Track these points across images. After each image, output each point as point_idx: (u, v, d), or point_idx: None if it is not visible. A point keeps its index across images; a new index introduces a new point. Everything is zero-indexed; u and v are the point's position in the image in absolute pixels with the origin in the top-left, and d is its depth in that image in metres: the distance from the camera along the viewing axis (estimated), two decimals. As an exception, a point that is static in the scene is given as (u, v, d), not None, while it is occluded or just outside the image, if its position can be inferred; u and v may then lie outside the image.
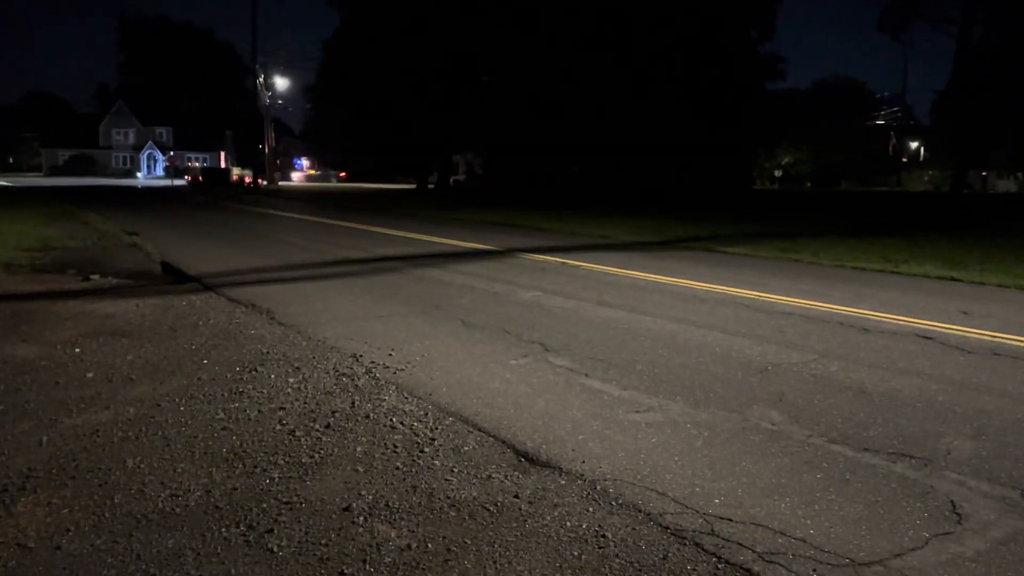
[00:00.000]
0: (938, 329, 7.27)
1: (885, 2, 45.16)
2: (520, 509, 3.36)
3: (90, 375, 5.24)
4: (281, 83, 56.84)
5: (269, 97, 55.72)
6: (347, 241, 15.43)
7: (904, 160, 79.49)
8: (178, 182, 56.75)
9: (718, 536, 3.13)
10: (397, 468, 3.78)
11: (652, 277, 10.58)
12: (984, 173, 65.73)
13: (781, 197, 43.68)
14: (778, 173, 74.69)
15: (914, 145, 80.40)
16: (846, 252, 13.69)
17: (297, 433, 4.22)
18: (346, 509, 3.33)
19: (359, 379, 5.30)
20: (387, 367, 5.64)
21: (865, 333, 7.11)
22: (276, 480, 3.60)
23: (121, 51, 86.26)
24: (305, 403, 4.75)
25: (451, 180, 60.18)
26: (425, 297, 8.69)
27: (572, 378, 5.44)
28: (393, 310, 7.91)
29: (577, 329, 7.08)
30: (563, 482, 3.66)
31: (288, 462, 3.82)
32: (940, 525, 3.22)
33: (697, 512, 3.33)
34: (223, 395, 4.86)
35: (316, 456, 3.91)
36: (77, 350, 5.90)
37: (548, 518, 3.28)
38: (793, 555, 2.98)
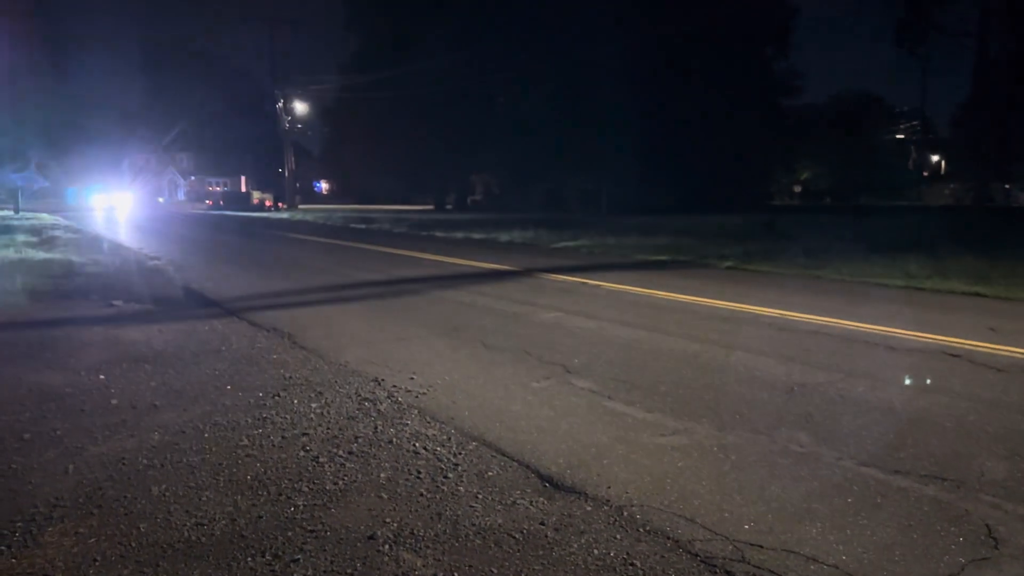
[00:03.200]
0: (966, 346, 7.16)
1: (901, 17, 44.95)
2: (546, 536, 3.32)
3: (115, 402, 5.27)
4: (300, 107, 57.44)
5: (288, 121, 56.32)
6: (366, 263, 15.50)
7: (924, 174, 78.84)
8: (199, 206, 57.37)
9: (749, 563, 3.08)
10: (421, 495, 3.76)
11: (672, 296, 10.52)
12: (1007, 186, 65.07)
13: (799, 213, 43.43)
14: (797, 189, 74.29)
15: (934, 159, 79.77)
16: (868, 268, 13.55)
17: (321, 459, 4.21)
18: (371, 537, 3.30)
19: (381, 403, 5.29)
20: (409, 391, 5.63)
21: (891, 351, 7.01)
22: (301, 508, 3.59)
23: (142, 77, 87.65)
24: (328, 428, 4.74)
25: (468, 200, 60.46)
26: (445, 319, 8.69)
27: (595, 400, 5.40)
28: (413, 332, 7.91)
29: (598, 350, 7.04)
30: (589, 508, 3.62)
31: (312, 489, 3.81)
32: (976, 550, 3.15)
33: (727, 539, 3.28)
34: (247, 421, 4.87)
35: (340, 483, 3.89)
36: (102, 377, 5.94)
37: (575, 545, 3.24)
38: (827, 583, 2.92)
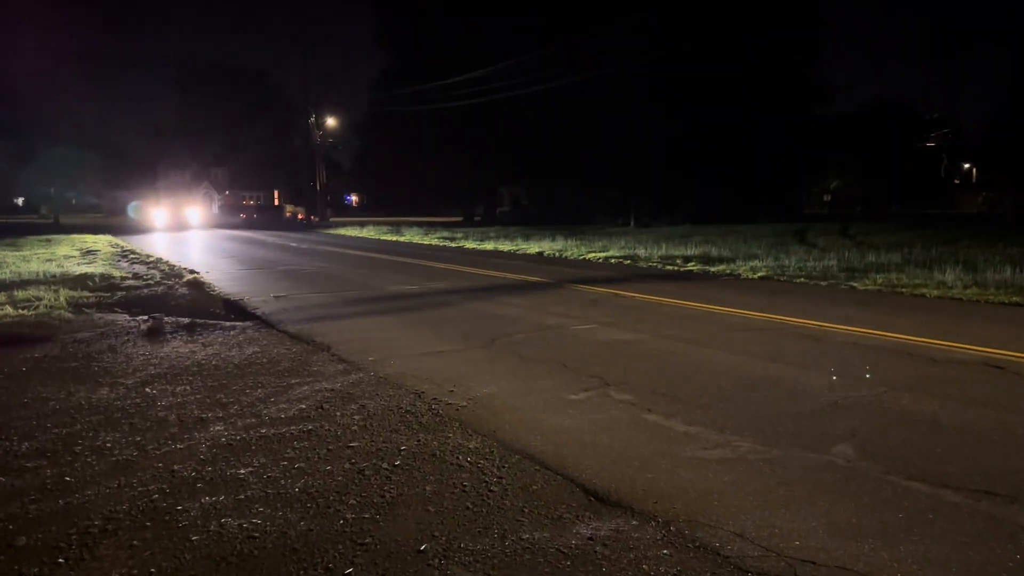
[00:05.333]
0: (1009, 358, 7.05)
1: (936, 26, 44.48)
2: (595, 552, 3.32)
3: (163, 415, 5.37)
4: (331, 121, 58.08)
5: (320, 136, 56.98)
6: (399, 276, 15.60)
7: (956, 182, 77.67)
8: (232, 220, 58.08)
9: (801, 580, 3.06)
10: (467, 508, 3.78)
11: (707, 307, 10.47)
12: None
13: (831, 222, 43.01)
14: (827, 198, 73.56)
15: (966, 166, 78.53)
16: (904, 278, 13.38)
17: (367, 472, 4.25)
18: (420, 551, 3.33)
19: (423, 416, 5.33)
20: (449, 403, 5.66)
21: (933, 363, 6.92)
22: (350, 520, 3.63)
23: (177, 94, 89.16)
24: (372, 441, 4.79)
25: (497, 211, 60.65)
26: (481, 331, 8.72)
27: (635, 413, 5.40)
28: (450, 345, 7.95)
29: (636, 362, 7.03)
30: (636, 523, 3.62)
31: (360, 502, 3.85)
32: (1035, 568, 3.10)
33: (778, 555, 3.26)
34: (292, 433, 4.93)
35: (387, 495, 3.93)
36: (149, 390, 6.05)
37: (624, 562, 3.24)
38: (881, 600, 2.90)
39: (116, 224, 47.01)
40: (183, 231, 41.53)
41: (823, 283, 13.51)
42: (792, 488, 4.01)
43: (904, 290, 12.22)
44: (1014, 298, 10.94)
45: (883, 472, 4.21)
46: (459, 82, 44.72)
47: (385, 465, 4.37)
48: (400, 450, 4.62)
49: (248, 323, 9.50)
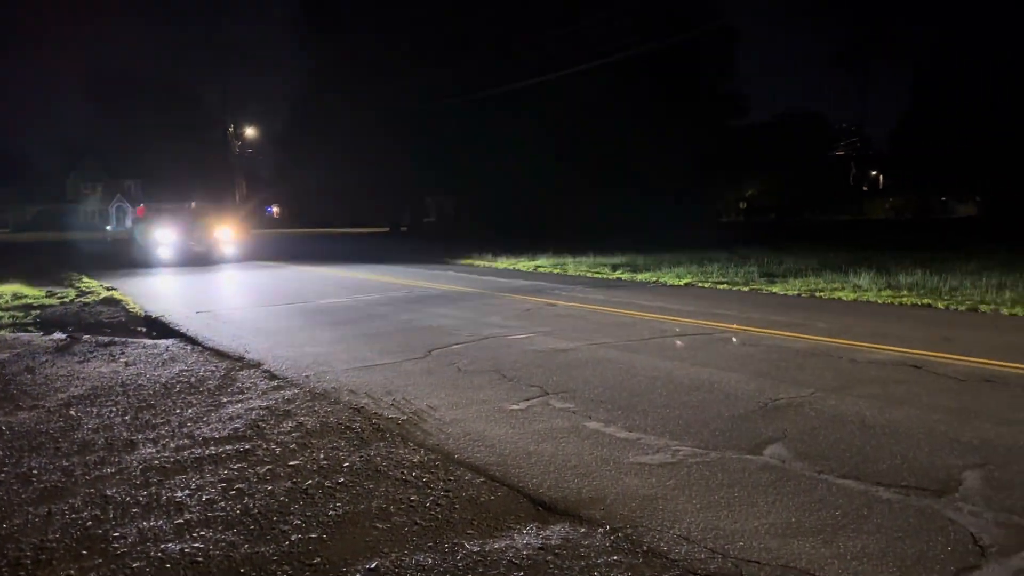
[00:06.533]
0: (926, 357, 7.40)
1: (844, 39, 46.59)
2: (546, 561, 3.34)
3: (89, 438, 5.15)
4: (250, 132, 56.87)
5: (239, 147, 55.71)
6: (325, 289, 15.35)
7: (865, 189, 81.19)
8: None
9: (748, 579, 3.14)
10: (416, 523, 3.75)
11: (638, 314, 10.65)
12: (944, 198, 67.29)
13: (747, 229, 44.38)
14: (742, 205, 75.91)
15: (873, 173, 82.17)
16: (822, 282, 13.91)
17: (310, 491, 4.17)
18: (371, 569, 3.29)
19: (364, 432, 5.26)
20: (390, 418, 5.60)
21: (856, 364, 7.21)
22: (295, 541, 3.55)
23: (87, 104, 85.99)
24: (314, 459, 4.70)
25: (424, 221, 60.39)
26: (415, 343, 8.66)
27: (576, 421, 5.45)
28: (387, 357, 7.87)
29: (574, 370, 7.10)
30: (584, 531, 3.65)
31: (305, 521, 3.77)
32: (964, 559, 3.26)
33: (724, 556, 3.34)
34: (227, 453, 4.79)
35: (333, 514, 3.86)
36: (73, 412, 5.79)
37: (575, 570, 3.26)
38: (825, 596, 3.00)
39: (20, 240, 44.77)
40: (95, 245, 39.88)
41: (744, 288, 13.93)
42: (732, 490, 4.11)
43: (822, 294, 12.71)
44: (925, 300, 11.50)
45: (817, 471, 4.36)
46: (381, 91, 44.43)
47: (328, 483, 4.29)
48: (343, 467, 4.55)
49: (170, 340, 9.20)
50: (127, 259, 24.52)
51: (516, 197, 44.28)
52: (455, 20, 42.96)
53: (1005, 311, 10.38)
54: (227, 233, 24.06)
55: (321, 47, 53.35)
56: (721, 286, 14.38)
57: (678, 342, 8.51)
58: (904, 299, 11.74)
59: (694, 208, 46.62)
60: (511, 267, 20.30)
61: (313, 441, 5.05)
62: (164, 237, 23.11)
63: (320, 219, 76.59)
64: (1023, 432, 4.99)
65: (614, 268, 18.22)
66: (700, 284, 14.81)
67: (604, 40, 37.04)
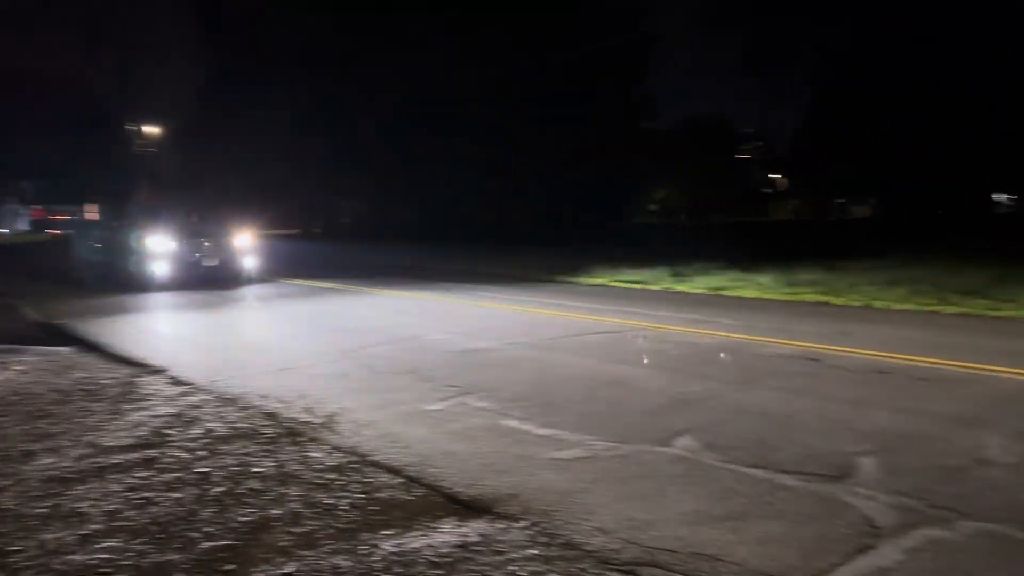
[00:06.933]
0: (824, 351, 7.76)
1: (747, 47, 48.33)
2: (465, 558, 3.36)
3: (-20, 451, 4.88)
4: (152, 130, 54.81)
5: (140, 145, 53.61)
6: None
7: (769, 191, 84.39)
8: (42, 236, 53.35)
9: (661, 567, 3.24)
10: (333, 527, 3.71)
11: (551, 312, 10.79)
12: (842, 200, 70.47)
13: (658, 230, 45.52)
14: (653, 207, 77.73)
15: (777, 177, 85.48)
16: (726, 280, 14.40)
17: (224, 499, 4.06)
18: (288, 574, 3.24)
19: (278, 436, 5.16)
20: (305, 421, 5.52)
21: (759, 358, 7.51)
22: (208, 549, 3.46)
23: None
24: (225, 465, 4.58)
25: (337, 223, 59.45)
26: (325, 344, 8.53)
27: (493, 419, 5.49)
28: (296, 360, 7.72)
29: (488, 370, 7.14)
30: (502, 526, 3.68)
31: (219, 529, 3.67)
32: (861, 540, 3.45)
33: (638, 545, 3.44)
34: (132, 461, 4.63)
35: (246, 520, 3.78)
36: (-39, 425, 5.47)
37: (493, 565, 3.29)
38: (733, 579, 3.12)
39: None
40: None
41: (655, 287, 14.29)
42: (645, 481, 4.23)
43: (727, 292, 13.16)
44: (823, 297, 12.05)
45: (724, 461, 4.53)
46: (290, 90, 43.53)
47: (241, 490, 4.19)
48: (257, 473, 4.46)
49: (70, 347, 8.79)
50: (90, 274, 16.76)
51: (435, 202, 44.09)
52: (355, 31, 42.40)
53: (896, 307, 10.98)
54: (246, 240, 16.67)
55: (223, 44, 51.89)
56: (634, 285, 14.71)
57: (593, 340, 8.67)
58: (805, 296, 12.27)
59: (607, 210, 47.43)
60: (423, 266, 20.22)
61: (223, 448, 4.92)
62: (158, 246, 14.98)
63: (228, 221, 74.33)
64: (912, 419, 5.30)
65: (529, 268, 18.37)
66: (612, 284, 15.12)
67: (513, 49, 37.38)
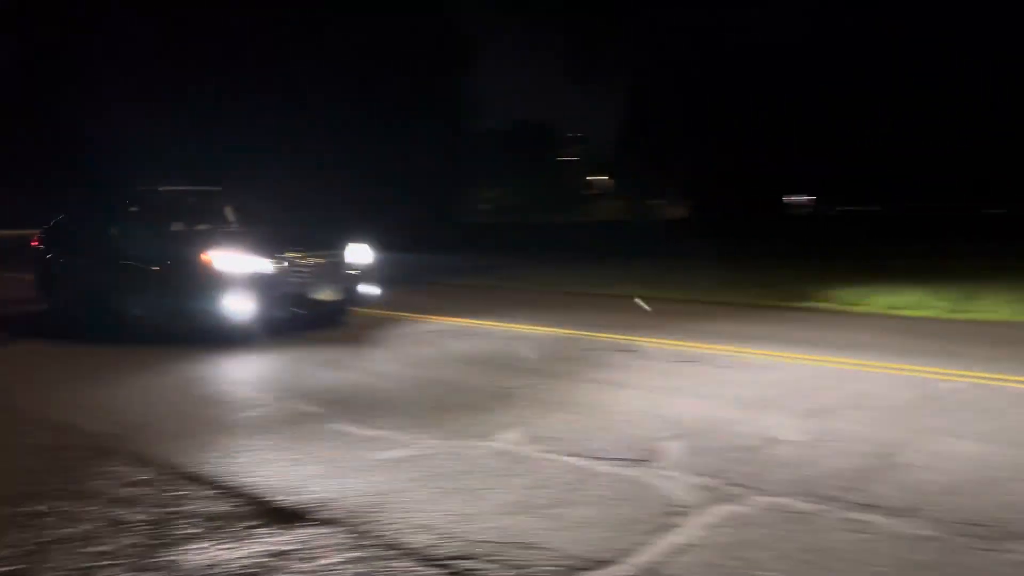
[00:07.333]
0: (638, 343, 8.22)
1: (569, 56, 50.31)
2: (284, 565, 3.27)
3: None
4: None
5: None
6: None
7: (593, 192, 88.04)
8: None
9: (479, 559, 3.30)
10: (136, 545, 3.48)
11: (372, 312, 10.71)
12: (663, 201, 74.69)
13: (486, 229, 46.37)
14: (482, 207, 78.96)
15: (601, 178, 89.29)
16: (555, 278, 14.91)
17: (18, 519, 3.72)
18: (86, 597, 3.02)
19: (74, 448, 4.79)
20: (101, 433, 5.16)
21: (580, 350, 7.85)
22: (-9, 578, 3.16)
23: None
24: (9, 486, 4.19)
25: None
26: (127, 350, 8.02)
27: (320, 423, 5.38)
28: (94, 366, 7.21)
29: (312, 372, 7.00)
30: (325, 531, 3.61)
31: (7, 554, 3.36)
32: (666, 518, 3.68)
33: (459, 539, 3.49)
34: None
35: (38, 542, 3.47)
36: None
37: (314, 570, 3.23)
38: (547, 564, 3.24)
39: None
40: None
41: (483, 286, 14.55)
42: (469, 476, 4.30)
43: (547, 288, 13.63)
44: (636, 292, 12.73)
45: (544, 451, 4.70)
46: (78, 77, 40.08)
47: (27, 510, 3.85)
48: (49, 490, 4.11)
49: None
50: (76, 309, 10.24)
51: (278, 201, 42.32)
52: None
53: (704, 300, 11.81)
54: (359, 253, 9.96)
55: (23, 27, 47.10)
56: (463, 283, 14.90)
57: (418, 338, 8.69)
58: (616, 293, 12.89)
59: (437, 209, 47.62)
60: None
61: (9, 467, 4.51)
62: (238, 266, 8.45)
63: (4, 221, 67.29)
64: (711, 405, 5.73)
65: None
66: (442, 282, 15.22)
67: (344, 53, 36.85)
